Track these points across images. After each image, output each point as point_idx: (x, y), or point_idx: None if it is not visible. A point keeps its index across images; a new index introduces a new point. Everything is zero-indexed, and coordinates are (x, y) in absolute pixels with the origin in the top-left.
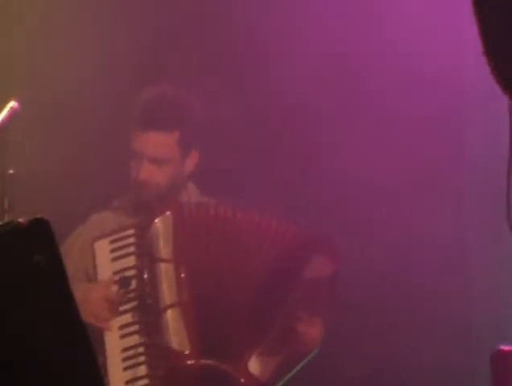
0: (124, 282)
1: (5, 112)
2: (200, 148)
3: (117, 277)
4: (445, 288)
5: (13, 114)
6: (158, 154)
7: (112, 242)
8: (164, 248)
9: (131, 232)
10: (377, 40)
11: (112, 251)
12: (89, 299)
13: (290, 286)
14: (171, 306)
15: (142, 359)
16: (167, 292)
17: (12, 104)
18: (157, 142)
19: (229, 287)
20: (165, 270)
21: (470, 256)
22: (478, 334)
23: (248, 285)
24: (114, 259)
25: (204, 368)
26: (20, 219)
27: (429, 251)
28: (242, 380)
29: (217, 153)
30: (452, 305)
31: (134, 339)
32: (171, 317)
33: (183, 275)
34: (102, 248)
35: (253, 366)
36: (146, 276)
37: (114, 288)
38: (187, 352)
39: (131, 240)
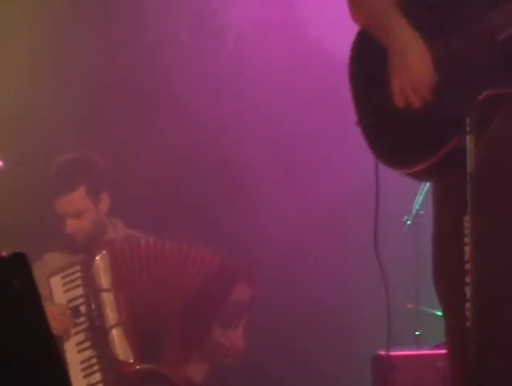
0: (76, 311)
1: None
2: (109, 190)
3: (70, 305)
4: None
5: None
6: (74, 210)
7: (63, 277)
8: (105, 280)
9: (77, 268)
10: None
11: (64, 284)
12: (49, 315)
13: (216, 307)
14: (114, 326)
15: (96, 367)
16: (110, 314)
17: None
18: (69, 201)
19: (161, 307)
20: (107, 297)
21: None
22: (364, 341)
23: (178, 305)
24: (66, 290)
25: (147, 372)
26: (3, 253)
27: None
28: (178, 380)
29: (140, 190)
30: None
31: (88, 353)
32: (116, 334)
33: (121, 300)
34: (56, 283)
35: (189, 370)
36: (92, 303)
37: (68, 313)
38: (131, 361)
39: (78, 274)
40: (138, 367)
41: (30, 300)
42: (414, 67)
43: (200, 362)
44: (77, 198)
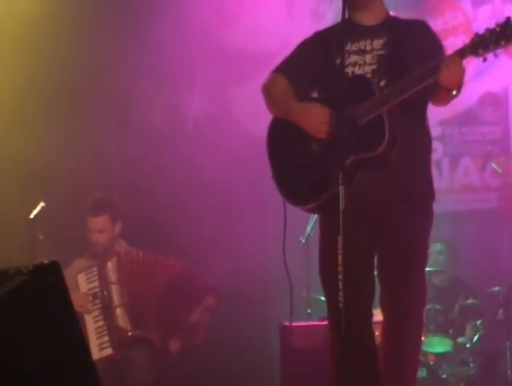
0: (93, 296)
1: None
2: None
3: (90, 292)
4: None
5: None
6: (99, 227)
7: (86, 274)
8: (113, 277)
9: (95, 268)
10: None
11: (86, 279)
12: (76, 299)
13: (191, 307)
14: (118, 306)
15: (105, 333)
16: (116, 298)
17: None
18: (97, 222)
19: (147, 296)
20: (114, 288)
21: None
22: (275, 316)
23: (158, 296)
24: (88, 283)
25: (138, 336)
26: (45, 261)
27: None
28: (159, 344)
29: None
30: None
31: (100, 324)
32: (119, 311)
33: (123, 289)
34: (81, 278)
35: (170, 343)
36: (104, 291)
37: (88, 297)
38: (128, 329)
39: (95, 272)
40: (132, 333)
41: (60, 290)
42: (311, 117)
43: (177, 339)
44: (103, 220)
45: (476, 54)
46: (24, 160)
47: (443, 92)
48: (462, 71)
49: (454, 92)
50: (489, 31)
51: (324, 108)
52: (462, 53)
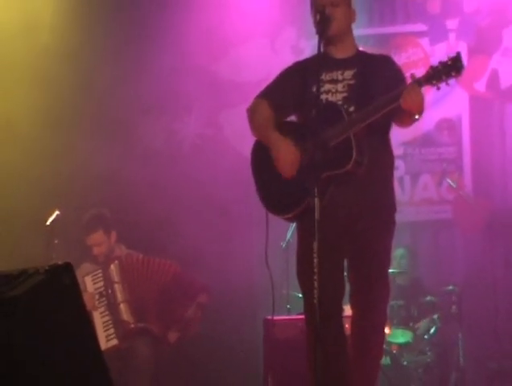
0: (99, 295)
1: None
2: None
3: (96, 292)
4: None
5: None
6: (96, 242)
7: (92, 276)
8: (116, 277)
9: (100, 271)
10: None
11: (92, 280)
12: (84, 298)
13: (187, 304)
14: (121, 302)
15: (110, 326)
16: (119, 295)
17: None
18: (93, 238)
19: (146, 293)
20: (117, 287)
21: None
22: (259, 311)
23: (157, 293)
24: (94, 283)
25: (140, 328)
26: (59, 262)
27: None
28: (159, 335)
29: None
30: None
31: (107, 318)
32: (122, 306)
33: (125, 288)
34: (88, 279)
35: (168, 334)
36: (109, 289)
37: (95, 296)
38: (132, 322)
39: (100, 274)
40: (135, 325)
41: (72, 287)
42: (281, 156)
43: (175, 331)
44: (98, 236)
45: (432, 83)
46: (43, 176)
47: (406, 116)
48: (421, 98)
49: (416, 117)
50: (442, 64)
51: (297, 151)
52: (420, 82)
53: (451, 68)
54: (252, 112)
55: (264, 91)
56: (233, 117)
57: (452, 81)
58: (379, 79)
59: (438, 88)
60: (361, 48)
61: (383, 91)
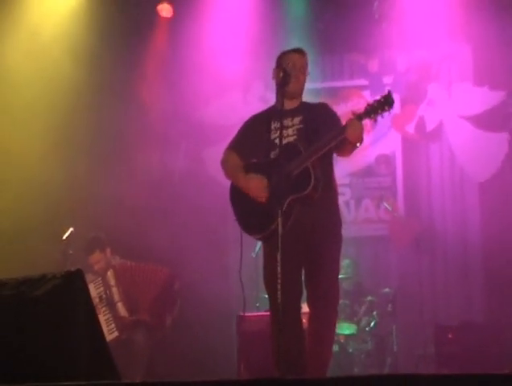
0: (100, 298)
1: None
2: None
3: (98, 295)
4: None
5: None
6: (95, 261)
7: (94, 284)
8: (112, 281)
9: (100, 278)
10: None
11: (94, 286)
12: None
13: (169, 294)
14: (118, 301)
15: (111, 322)
16: (116, 296)
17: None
18: (93, 258)
19: (138, 293)
20: (114, 289)
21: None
22: (232, 309)
23: (148, 292)
24: (96, 289)
25: (135, 320)
26: (72, 269)
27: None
28: (153, 323)
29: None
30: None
31: (108, 315)
32: (119, 305)
33: (120, 290)
34: (91, 287)
35: (164, 318)
36: (108, 292)
37: (97, 300)
38: (127, 316)
39: (100, 281)
40: (131, 319)
41: (83, 290)
42: (252, 185)
43: (169, 316)
44: (96, 255)
45: (370, 117)
46: (60, 199)
47: (349, 146)
48: (361, 129)
49: (358, 145)
50: (377, 101)
51: (263, 179)
52: (360, 117)
53: (383, 104)
54: (224, 163)
55: (232, 144)
56: (213, 153)
57: (387, 116)
58: (321, 121)
59: (375, 121)
60: (303, 100)
61: (325, 130)
